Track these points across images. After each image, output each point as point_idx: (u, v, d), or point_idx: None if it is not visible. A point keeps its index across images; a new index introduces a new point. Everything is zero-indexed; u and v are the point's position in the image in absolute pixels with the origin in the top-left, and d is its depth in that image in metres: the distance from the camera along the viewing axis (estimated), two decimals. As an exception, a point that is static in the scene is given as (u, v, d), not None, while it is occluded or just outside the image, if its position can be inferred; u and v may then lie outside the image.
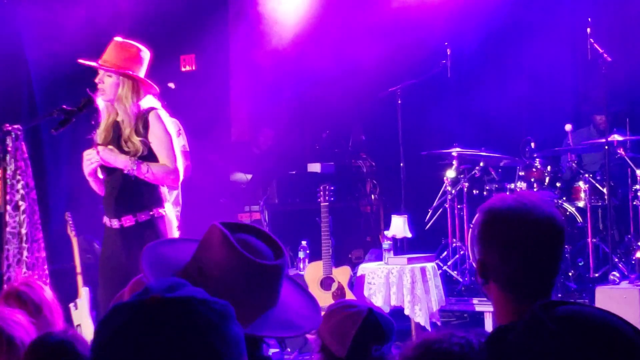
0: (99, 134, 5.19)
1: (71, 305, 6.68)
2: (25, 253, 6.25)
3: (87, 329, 6.48)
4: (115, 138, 5.13)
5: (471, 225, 8.31)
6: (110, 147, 5.09)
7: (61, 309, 3.98)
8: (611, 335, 1.68)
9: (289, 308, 2.47)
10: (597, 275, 7.99)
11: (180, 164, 5.21)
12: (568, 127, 9.03)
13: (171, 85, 7.57)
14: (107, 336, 1.45)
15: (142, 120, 5.09)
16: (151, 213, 5.11)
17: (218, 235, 2.38)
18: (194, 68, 10.70)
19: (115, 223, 5.18)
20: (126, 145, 5.07)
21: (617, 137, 8.30)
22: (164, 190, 5.26)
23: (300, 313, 2.51)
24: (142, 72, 5.18)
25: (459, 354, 1.76)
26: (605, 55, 8.25)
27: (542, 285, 2.51)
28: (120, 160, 5.04)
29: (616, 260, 8.05)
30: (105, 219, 5.28)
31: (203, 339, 1.41)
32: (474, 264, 8.02)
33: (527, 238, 2.47)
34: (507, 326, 1.82)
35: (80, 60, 5.30)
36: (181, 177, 5.22)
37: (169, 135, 5.13)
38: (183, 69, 10.64)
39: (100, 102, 5.14)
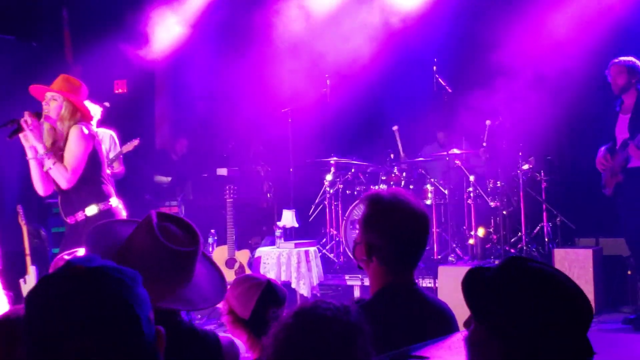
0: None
1: (21, 280, 6.51)
2: (-17, 238, 6.08)
3: (34, 300, 6.33)
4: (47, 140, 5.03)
5: (345, 217, 8.44)
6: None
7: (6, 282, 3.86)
8: (567, 280, 1.68)
9: (200, 285, 2.45)
10: (439, 257, 8.11)
11: (76, 172, 4.95)
12: (395, 127, 9.27)
13: (106, 104, 7.44)
14: (38, 304, 1.41)
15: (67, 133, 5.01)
16: (98, 207, 5.03)
17: (146, 222, 2.37)
18: (125, 91, 10.52)
19: (69, 219, 5.07)
20: (54, 147, 4.98)
21: (455, 151, 8.54)
22: (108, 187, 5.17)
23: (208, 289, 2.47)
24: (80, 101, 5.09)
25: (330, 317, 1.81)
26: (447, 87, 8.50)
27: (413, 262, 2.56)
28: (38, 143, 4.89)
29: (454, 245, 8.22)
30: (63, 217, 5.13)
31: (120, 297, 1.40)
32: (347, 248, 8.19)
33: (408, 224, 2.50)
34: (481, 267, 1.81)
35: (33, 85, 5.17)
36: (72, 181, 4.95)
37: (77, 148, 4.92)
38: (116, 91, 10.44)
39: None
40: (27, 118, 4.91)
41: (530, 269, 1.68)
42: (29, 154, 4.99)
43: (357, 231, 2.61)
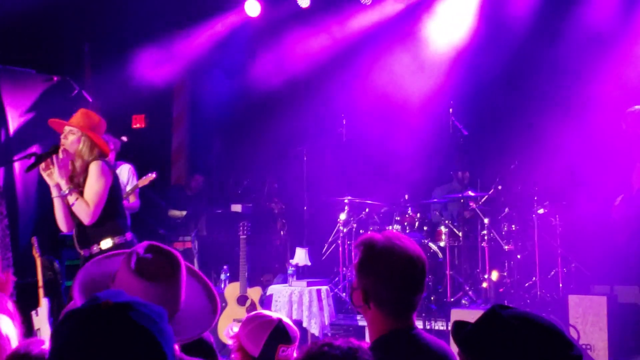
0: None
1: (33, 312, 6.52)
2: (-3, 268, 6.11)
3: (45, 333, 6.33)
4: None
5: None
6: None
7: (20, 315, 3.87)
8: (550, 328, 1.79)
9: (190, 312, 2.40)
10: (452, 299, 8.06)
11: (98, 208, 4.99)
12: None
13: (124, 138, 7.52)
14: (65, 338, 1.38)
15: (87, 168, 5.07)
16: (113, 241, 5.07)
17: (126, 257, 2.33)
18: (143, 126, 10.63)
19: (84, 252, 5.09)
20: (72, 181, 5.03)
21: (470, 194, 8.54)
22: (124, 221, 5.21)
23: (199, 315, 2.43)
24: (98, 136, 5.16)
25: (338, 356, 1.83)
26: (462, 130, 8.53)
27: (411, 306, 2.52)
28: (62, 179, 4.94)
29: (467, 288, 8.17)
30: (77, 249, 5.15)
31: (148, 333, 1.38)
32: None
33: (404, 268, 2.46)
34: (462, 322, 1.92)
35: (53, 119, 5.24)
36: (95, 217, 4.98)
37: (98, 184, 4.98)
38: (134, 126, 10.56)
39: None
40: (60, 155, 4.96)
41: (514, 316, 1.80)
42: (54, 192, 5.02)
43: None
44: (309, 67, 10.37)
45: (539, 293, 8.03)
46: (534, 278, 8.19)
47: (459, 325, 1.89)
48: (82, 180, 5.02)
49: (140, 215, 7.23)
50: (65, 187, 4.95)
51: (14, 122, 7.80)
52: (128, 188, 7.07)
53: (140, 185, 7.10)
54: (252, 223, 8.05)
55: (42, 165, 4.96)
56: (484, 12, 9.50)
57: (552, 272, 8.38)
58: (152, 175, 7.11)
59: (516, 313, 1.83)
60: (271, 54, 10.17)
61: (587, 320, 7.02)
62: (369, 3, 9.68)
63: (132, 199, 7.09)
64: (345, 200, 8.82)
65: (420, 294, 2.53)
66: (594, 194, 8.91)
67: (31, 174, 6.98)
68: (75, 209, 4.97)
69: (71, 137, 5.06)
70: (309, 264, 8.22)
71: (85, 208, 4.95)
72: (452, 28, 9.61)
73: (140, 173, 7.30)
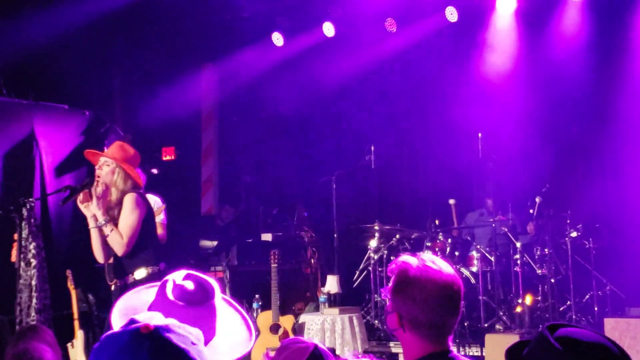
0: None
1: (69, 344, 6.59)
2: (34, 300, 6.22)
3: (81, 364, 6.40)
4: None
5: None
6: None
7: (59, 347, 3.93)
8: (603, 351, 1.74)
9: (225, 338, 2.42)
10: (486, 325, 8.02)
11: (132, 239, 5.08)
12: (452, 201, 9.25)
13: (154, 171, 7.63)
14: None
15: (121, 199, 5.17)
16: (147, 271, 5.14)
17: (162, 285, 2.38)
18: (173, 157, 10.77)
19: (119, 282, 5.17)
20: (107, 213, 5.13)
21: (501, 217, 8.52)
22: (157, 251, 5.28)
23: (233, 343, 2.43)
24: (133, 168, 5.27)
25: None
26: (492, 155, 8.53)
27: (448, 329, 2.50)
28: (99, 210, 5.03)
29: (501, 313, 8.12)
30: (109, 281, 5.22)
31: (186, 356, 1.40)
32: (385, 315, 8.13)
33: (439, 292, 2.46)
34: (521, 342, 1.91)
35: (89, 150, 5.36)
36: (129, 248, 5.07)
37: (133, 216, 5.07)
38: (164, 158, 10.70)
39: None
40: (96, 186, 5.06)
41: (562, 338, 1.73)
42: (91, 223, 5.10)
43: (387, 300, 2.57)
44: (336, 94, 10.46)
45: (574, 317, 7.96)
46: (568, 302, 8.13)
47: (516, 347, 1.86)
48: (117, 212, 5.12)
49: (171, 246, 7.30)
50: (101, 218, 5.04)
51: (47, 157, 7.96)
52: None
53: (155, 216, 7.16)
54: (282, 251, 8.06)
55: (80, 197, 5.06)
56: (521, 48, 9.50)
57: (587, 296, 8.31)
58: (162, 206, 7.19)
59: (564, 333, 1.78)
60: (298, 82, 10.27)
61: (624, 343, 6.93)
62: (394, 31, 9.76)
63: (159, 230, 7.17)
64: (375, 227, 8.83)
65: (456, 317, 2.52)
66: (627, 216, 8.85)
67: (65, 207, 7.11)
68: (110, 240, 5.06)
69: (106, 168, 5.17)
70: (340, 291, 8.22)
71: (120, 239, 5.04)
72: (492, 55, 9.60)
73: (169, 204, 7.37)
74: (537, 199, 8.37)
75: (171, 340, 1.41)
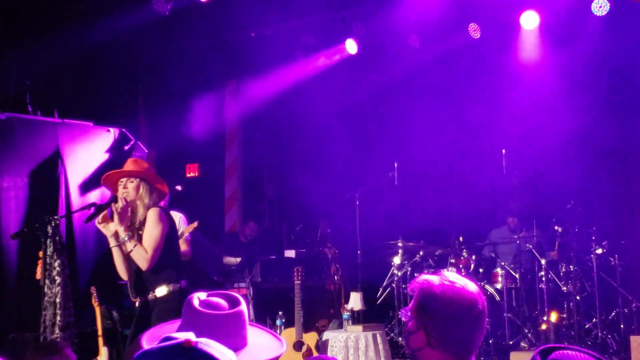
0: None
1: (92, 361, 6.64)
2: (58, 318, 6.25)
3: (105, 380, 6.44)
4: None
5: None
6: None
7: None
8: None
9: (257, 346, 2.45)
10: (511, 343, 7.99)
11: (156, 253, 5.10)
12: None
13: (178, 187, 7.67)
14: None
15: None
16: (168, 288, 5.16)
17: (187, 302, 2.40)
18: (197, 174, 10.83)
19: (140, 299, 5.18)
20: (130, 229, 5.17)
21: (525, 234, 8.47)
22: (179, 268, 5.29)
23: (264, 352, 2.45)
24: (155, 176, 5.32)
25: None
26: (515, 171, 8.49)
27: (475, 345, 2.49)
28: (121, 226, 5.07)
29: (526, 331, 8.08)
30: (132, 297, 5.24)
31: None
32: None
33: (466, 310, 2.45)
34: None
35: (109, 172, 5.39)
36: (153, 262, 5.10)
37: (156, 230, 5.10)
38: (188, 175, 10.76)
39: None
40: (120, 203, 5.10)
41: None
42: (112, 242, 5.14)
43: (409, 321, 2.55)
44: (359, 111, 10.48)
45: (600, 335, 7.88)
46: (594, 319, 8.05)
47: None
48: (141, 227, 5.15)
49: (195, 262, 7.32)
50: (123, 234, 5.08)
51: (72, 175, 8.03)
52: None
53: (185, 234, 7.21)
54: (306, 268, 8.06)
55: (99, 217, 5.10)
56: (545, 64, 9.46)
57: (613, 313, 8.23)
58: (194, 224, 7.23)
59: (555, 357, 1.78)
60: (321, 99, 10.30)
61: (652, 362, 6.84)
62: (417, 47, 9.77)
63: (184, 247, 7.20)
64: (399, 244, 8.82)
65: (483, 333, 2.51)
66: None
67: (89, 225, 7.14)
68: (133, 255, 5.09)
69: (130, 185, 5.21)
70: (364, 308, 8.20)
71: (144, 254, 5.07)
72: (515, 71, 9.58)
73: (193, 221, 7.41)
74: (558, 229, 8.32)
75: (213, 355, 1.42)
